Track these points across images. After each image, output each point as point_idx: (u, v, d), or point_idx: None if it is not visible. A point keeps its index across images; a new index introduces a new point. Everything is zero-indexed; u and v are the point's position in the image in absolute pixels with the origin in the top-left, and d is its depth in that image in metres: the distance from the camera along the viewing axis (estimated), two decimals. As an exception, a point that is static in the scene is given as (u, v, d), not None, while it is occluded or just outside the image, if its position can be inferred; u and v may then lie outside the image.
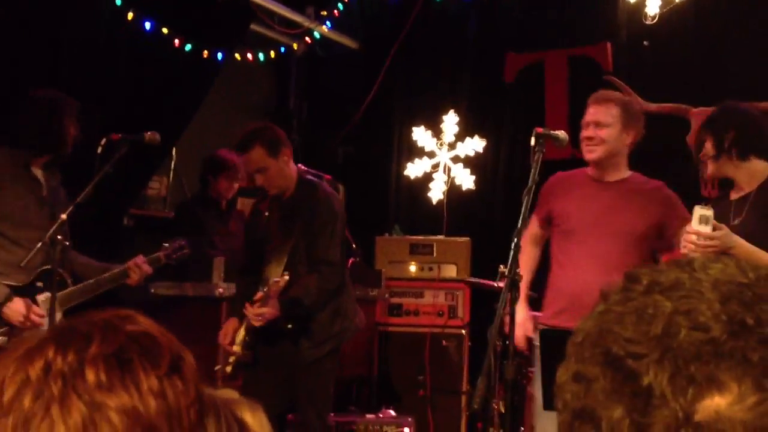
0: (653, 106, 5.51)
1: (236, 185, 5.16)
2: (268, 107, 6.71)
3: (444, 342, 5.27)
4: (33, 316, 3.50)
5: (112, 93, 4.66)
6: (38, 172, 3.68)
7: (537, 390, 3.55)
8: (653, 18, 5.35)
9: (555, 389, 0.69)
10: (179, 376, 0.77)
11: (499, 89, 6.13)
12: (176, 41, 5.11)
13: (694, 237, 2.95)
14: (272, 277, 3.79)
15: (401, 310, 5.39)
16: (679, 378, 0.61)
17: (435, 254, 5.46)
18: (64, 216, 3.42)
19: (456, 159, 5.93)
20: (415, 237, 5.58)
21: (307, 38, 6.42)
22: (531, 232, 3.74)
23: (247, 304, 3.78)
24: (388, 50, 6.37)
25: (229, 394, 1.03)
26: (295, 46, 6.53)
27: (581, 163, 3.77)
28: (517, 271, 3.06)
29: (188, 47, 5.17)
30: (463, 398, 5.17)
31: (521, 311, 3.47)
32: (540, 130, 3.32)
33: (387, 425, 4.90)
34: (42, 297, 3.56)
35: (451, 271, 5.43)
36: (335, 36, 6.50)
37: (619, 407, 0.63)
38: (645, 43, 5.64)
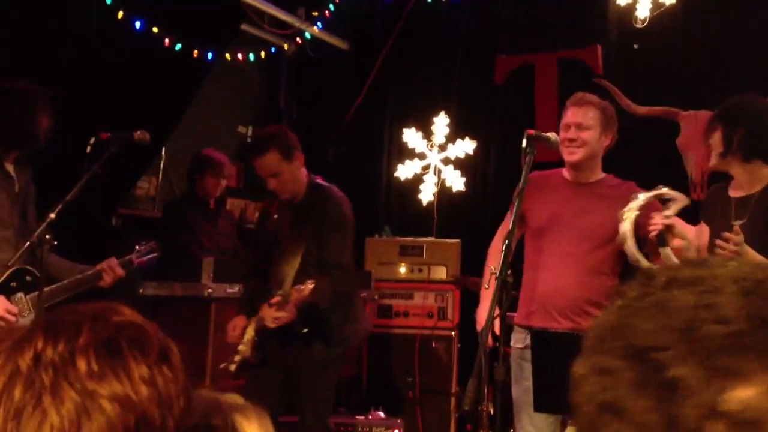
0: (643, 109, 5.53)
1: (223, 183, 5.17)
2: (259, 108, 6.70)
3: (434, 343, 5.27)
4: (6, 315, 3.39)
5: (101, 92, 4.63)
6: (10, 168, 3.56)
7: (516, 390, 3.55)
8: (643, 21, 5.38)
9: (572, 383, 0.71)
10: (168, 365, 0.77)
11: (489, 91, 6.13)
12: (166, 41, 5.09)
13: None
14: (287, 281, 3.80)
15: (391, 312, 5.39)
16: (704, 370, 0.63)
17: (425, 256, 5.47)
18: (53, 215, 3.35)
19: (446, 161, 5.93)
20: (405, 238, 5.58)
21: (297, 39, 6.42)
22: (506, 229, 3.73)
23: (264, 306, 3.77)
24: (378, 51, 6.38)
25: (235, 399, 1.03)
26: (285, 46, 6.53)
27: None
28: (509, 272, 3.05)
29: (178, 47, 5.15)
30: (453, 399, 5.18)
31: (484, 308, 3.42)
32: (531, 132, 3.33)
33: (376, 426, 4.90)
34: (17, 296, 3.49)
35: (440, 272, 5.43)
36: (326, 37, 6.49)
37: (645, 399, 0.65)
38: (635, 46, 5.66)
